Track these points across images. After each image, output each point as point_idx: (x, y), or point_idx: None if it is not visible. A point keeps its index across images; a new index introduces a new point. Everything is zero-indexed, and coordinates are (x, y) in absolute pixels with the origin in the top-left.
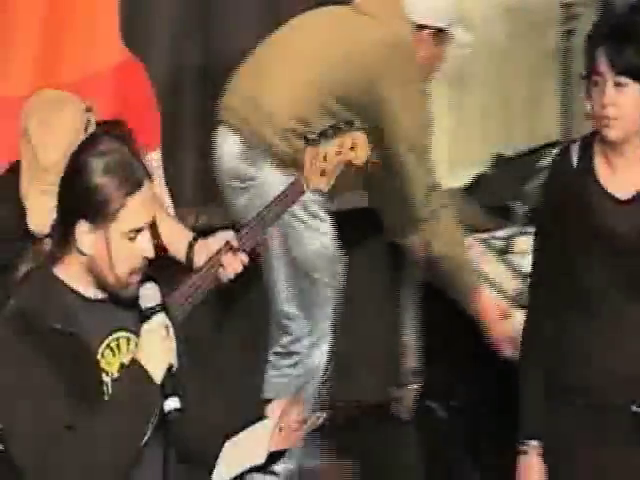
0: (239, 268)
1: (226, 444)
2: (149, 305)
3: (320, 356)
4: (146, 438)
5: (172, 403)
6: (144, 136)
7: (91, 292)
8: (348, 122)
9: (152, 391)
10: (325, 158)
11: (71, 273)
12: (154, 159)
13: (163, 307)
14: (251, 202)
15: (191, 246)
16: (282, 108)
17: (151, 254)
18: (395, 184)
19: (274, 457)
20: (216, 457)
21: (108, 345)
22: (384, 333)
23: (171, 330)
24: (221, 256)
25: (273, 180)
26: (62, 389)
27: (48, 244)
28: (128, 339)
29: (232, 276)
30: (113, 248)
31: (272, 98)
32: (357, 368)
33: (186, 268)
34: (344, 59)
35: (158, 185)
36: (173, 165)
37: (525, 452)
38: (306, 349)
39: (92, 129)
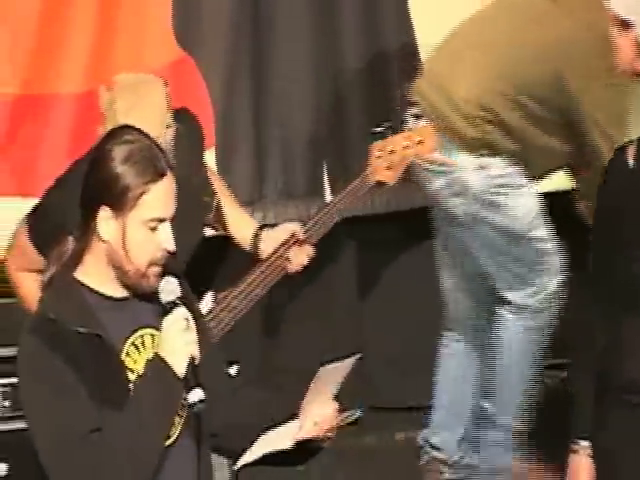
0: (305, 261)
1: (260, 438)
2: (169, 299)
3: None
4: (174, 432)
5: (196, 395)
6: None
7: (113, 291)
8: (416, 116)
9: (175, 385)
10: (392, 152)
11: (92, 274)
12: (208, 157)
13: (184, 300)
14: (447, 186)
15: (257, 235)
16: (470, 97)
17: (172, 247)
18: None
19: (309, 452)
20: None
21: (133, 343)
22: None
23: (191, 322)
24: (287, 248)
25: (465, 164)
26: (89, 391)
27: (70, 245)
28: (153, 335)
29: (299, 268)
30: (132, 237)
31: (460, 87)
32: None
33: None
34: (533, 50)
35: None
36: (227, 163)
37: (576, 452)
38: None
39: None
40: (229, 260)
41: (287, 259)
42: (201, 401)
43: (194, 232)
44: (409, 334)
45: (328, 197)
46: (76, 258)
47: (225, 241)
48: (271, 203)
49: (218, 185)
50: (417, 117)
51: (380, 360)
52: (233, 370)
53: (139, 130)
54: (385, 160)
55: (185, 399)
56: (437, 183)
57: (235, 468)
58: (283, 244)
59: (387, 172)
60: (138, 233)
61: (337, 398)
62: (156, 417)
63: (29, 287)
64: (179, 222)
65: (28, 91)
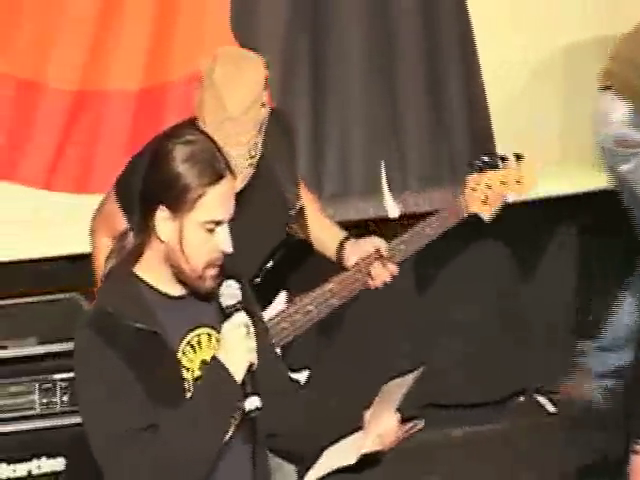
0: (387, 278)
1: (324, 452)
2: (230, 303)
3: None
4: (228, 437)
5: (253, 402)
6: None
7: (171, 289)
8: (518, 155)
9: (233, 390)
10: (489, 186)
11: (151, 270)
12: None
13: (244, 305)
14: (635, 169)
15: (342, 245)
16: None
17: (229, 249)
18: None
19: (369, 463)
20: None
21: (189, 342)
22: None
23: (251, 328)
24: (369, 262)
25: None
26: (144, 388)
27: (130, 239)
28: (209, 335)
29: (380, 285)
30: (190, 238)
31: None
32: None
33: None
34: None
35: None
36: None
37: (637, 452)
38: None
39: (267, 87)
40: (308, 263)
41: (368, 274)
42: (257, 409)
43: (274, 232)
44: (470, 331)
45: (386, 196)
46: (135, 253)
47: (305, 243)
48: (328, 201)
49: (304, 192)
50: (518, 157)
51: (440, 357)
52: (303, 375)
53: (201, 130)
54: (481, 193)
55: (241, 405)
56: (625, 167)
57: None
58: (366, 258)
59: (483, 206)
60: (195, 235)
61: (399, 410)
62: (212, 420)
63: (101, 248)
64: (259, 218)
65: (85, 87)
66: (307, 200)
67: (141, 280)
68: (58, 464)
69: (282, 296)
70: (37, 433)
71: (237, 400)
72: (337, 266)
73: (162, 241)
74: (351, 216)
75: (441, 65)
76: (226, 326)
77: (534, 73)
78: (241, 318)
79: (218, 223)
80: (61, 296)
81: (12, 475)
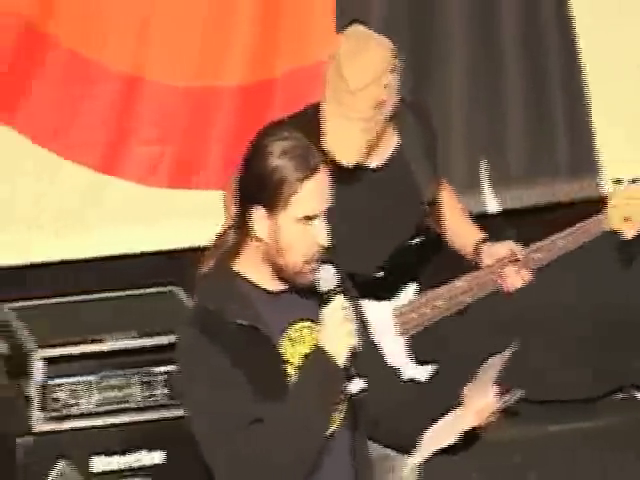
0: (519, 283)
1: (425, 434)
2: (327, 288)
3: None
4: (335, 422)
5: (357, 385)
6: None
7: (270, 285)
8: None
9: (337, 375)
10: (631, 204)
11: (250, 267)
12: None
13: (341, 289)
14: None
15: (478, 246)
16: None
17: (326, 242)
18: None
19: (469, 440)
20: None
21: (290, 336)
22: None
23: (350, 311)
24: (503, 264)
25: None
26: (249, 383)
27: (230, 236)
28: (310, 328)
29: (512, 289)
30: (287, 234)
31: None
32: None
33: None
34: None
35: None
36: None
37: None
38: None
39: (396, 74)
40: (441, 258)
41: (501, 276)
42: (362, 390)
43: (403, 224)
44: (568, 327)
45: (487, 193)
46: (234, 250)
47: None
48: None
49: (446, 188)
50: None
51: (538, 353)
52: (428, 370)
53: (294, 127)
54: (621, 210)
55: (346, 389)
56: None
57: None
58: (500, 260)
59: (623, 222)
60: (292, 231)
61: (496, 383)
62: (318, 408)
63: None
64: (389, 209)
65: (190, 83)
66: (448, 197)
67: (241, 277)
68: (158, 457)
69: (412, 287)
70: (137, 426)
71: (342, 385)
72: (468, 265)
73: (259, 239)
74: None
75: (542, 62)
76: (325, 311)
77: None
78: (340, 302)
79: (313, 217)
80: (160, 289)
81: (112, 468)
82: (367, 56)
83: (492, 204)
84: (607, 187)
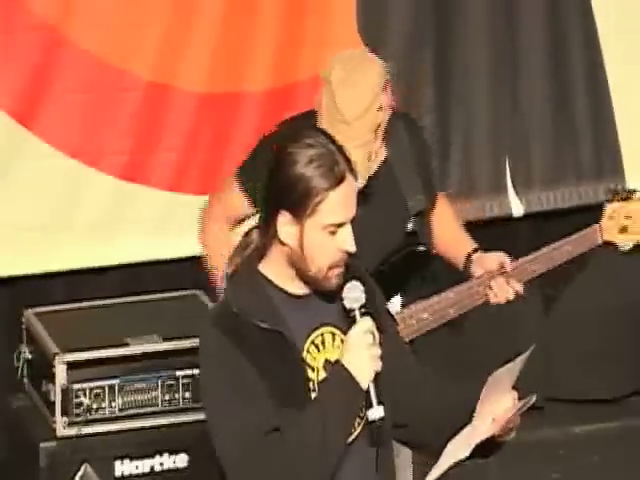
0: (510, 296)
1: (447, 445)
2: (354, 306)
3: None
4: (354, 433)
5: (377, 412)
6: None
7: (295, 288)
8: None
9: (358, 397)
10: (628, 217)
11: (275, 270)
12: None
13: (368, 308)
14: None
15: (469, 257)
16: None
17: (352, 248)
18: None
19: (491, 448)
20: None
21: (313, 341)
22: None
23: (377, 336)
24: (491, 277)
25: None
26: (270, 389)
27: (255, 237)
28: (333, 334)
29: (502, 301)
30: (312, 242)
31: None
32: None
33: None
34: None
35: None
36: None
37: None
38: None
39: (388, 90)
40: (428, 271)
41: (489, 287)
42: (381, 419)
43: (390, 235)
44: (592, 327)
45: (510, 194)
46: (260, 252)
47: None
48: (453, 201)
49: (440, 198)
50: None
51: (562, 352)
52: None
53: (319, 133)
54: (618, 223)
55: (365, 414)
56: None
57: None
58: (489, 272)
59: (619, 235)
60: (317, 238)
61: (514, 388)
62: (337, 424)
63: (214, 233)
64: (375, 220)
65: (214, 89)
66: (442, 208)
67: (266, 279)
68: (180, 460)
69: (397, 299)
70: (160, 429)
71: (360, 405)
72: (455, 278)
73: (284, 244)
74: (476, 215)
75: (566, 70)
76: (352, 333)
77: None
78: (367, 324)
79: (340, 225)
80: (183, 293)
81: (135, 471)
82: (361, 85)
83: (517, 207)
84: (605, 196)
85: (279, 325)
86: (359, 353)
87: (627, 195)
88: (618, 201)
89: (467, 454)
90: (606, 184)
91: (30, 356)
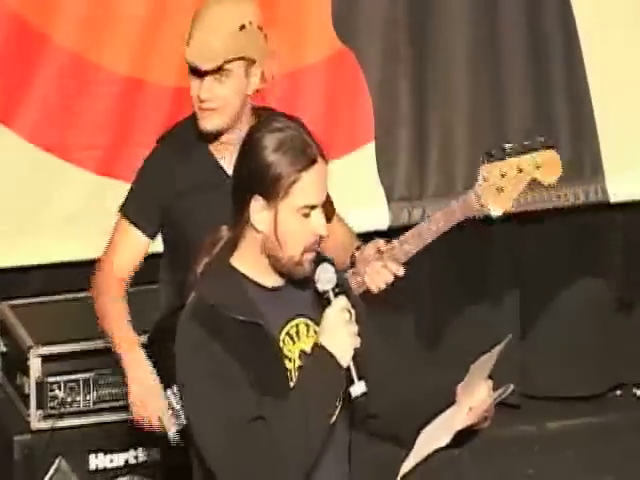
0: (388, 278)
1: (420, 434)
2: (328, 287)
3: None
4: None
5: (359, 388)
6: (356, 129)
7: (268, 281)
8: (542, 141)
9: (339, 376)
10: (503, 176)
11: (248, 262)
12: (367, 152)
13: (341, 288)
14: None
15: (353, 258)
16: None
17: (324, 232)
18: None
19: (466, 437)
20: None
21: (288, 332)
22: None
23: (353, 312)
24: (366, 263)
25: None
26: (250, 379)
27: (224, 233)
28: (307, 325)
29: (381, 285)
30: (285, 225)
31: None
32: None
33: None
34: None
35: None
36: (386, 158)
37: None
38: None
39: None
40: None
41: (369, 274)
42: (363, 394)
43: None
44: (567, 324)
45: None
46: (231, 246)
47: None
48: (430, 199)
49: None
50: (547, 147)
51: (537, 349)
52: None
53: (289, 117)
54: (494, 183)
55: (347, 391)
56: None
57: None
58: (365, 259)
59: (497, 196)
60: (291, 221)
61: (490, 378)
62: (320, 407)
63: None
64: None
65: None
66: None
67: (238, 272)
68: (155, 454)
69: None
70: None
71: (342, 385)
72: None
73: (258, 231)
74: None
75: (546, 72)
76: (328, 312)
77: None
78: (343, 302)
79: (313, 207)
80: (153, 287)
81: (109, 465)
82: None
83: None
84: (480, 161)
85: (256, 317)
86: (338, 331)
87: (502, 156)
88: (491, 162)
89: (448, 441)
90: (586, 186)
91: (5, 349)
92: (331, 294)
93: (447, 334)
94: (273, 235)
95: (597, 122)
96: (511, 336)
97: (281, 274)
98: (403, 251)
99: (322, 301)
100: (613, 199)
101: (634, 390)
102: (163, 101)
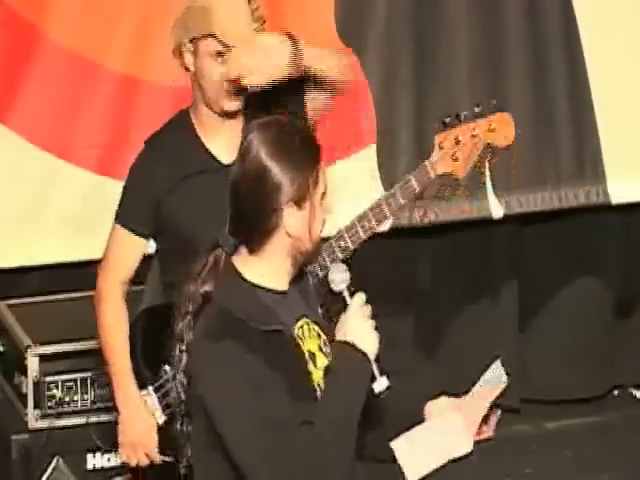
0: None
1: (417, 435)
2: (342, 287)
3: None
4: None
5: (383, 383)
6: (358, 131)
7: (278, 285)
8: (494, 104)
9: (367, 372)
10: (457, 142)
11: (259, 271)
12: (369, 153)
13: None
14: None
15: None
16: None
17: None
18: None
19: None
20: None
21: (297, 334)
22: None
23: (370, 309)
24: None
25: None
26: (283, 387)
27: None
28: (308, 325)
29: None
30: (316, 216)
31: None
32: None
33: None
34: None
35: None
36: (387, 160)
37: None
38: None
39: None
40: None
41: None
42: (387, 388)
43: None
44: (566, 325)
45: (491, 198)
46: (234, 263)
47: None
48: (430, 200)
49: None
50: (500, 110)
51: (537, 350)
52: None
53: (282, 119)
54: (449, 150)
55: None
56: None
57: None
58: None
59: (452, 163)
60: (319, 212)
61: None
62: (358, 406)
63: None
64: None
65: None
66: None
67: (249, 282)
68: None
69: None
70: None
71: (369, 381)
72: None
73: (290, 235)
74: (455, 216)
75: (547, 72)
76: (352, 309)
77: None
78: (361, 299)
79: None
80: None
81: (107, 464)
82: None
83: (497, 210)
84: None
85: (279, 324)
86: (363, 328)
87: (456, 123)
88: (444, 130)
89: (470, 449)
90: (587, 187)
91: (2, 348)
92: (346, 293)
93: (447, 334)
94: (307, 232)
95: (598, 123)
96: (500, 359)
97: (303, 263)
98: (367, 228)
99: (341, 301)
100: (614, 201)
101: (631, 390)
102: (161, 100)
